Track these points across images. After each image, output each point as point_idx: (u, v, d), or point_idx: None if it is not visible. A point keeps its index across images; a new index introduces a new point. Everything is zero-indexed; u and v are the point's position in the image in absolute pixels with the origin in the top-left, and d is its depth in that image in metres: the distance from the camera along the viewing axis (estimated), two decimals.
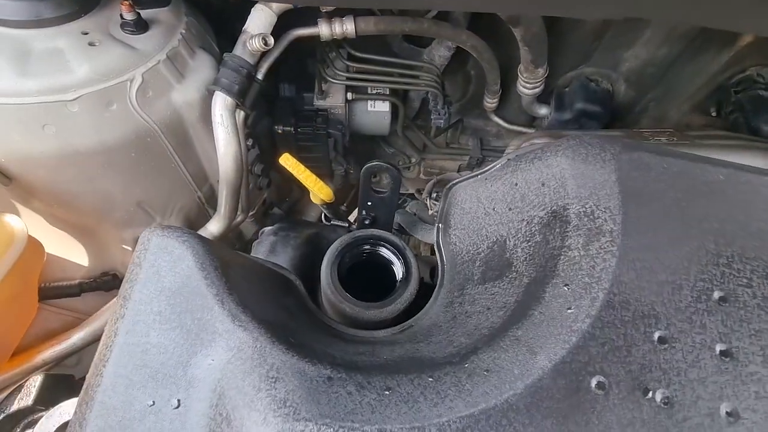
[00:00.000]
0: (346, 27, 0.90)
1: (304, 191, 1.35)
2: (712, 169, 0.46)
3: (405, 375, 0.39)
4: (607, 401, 0.36)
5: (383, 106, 1.16)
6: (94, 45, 0.75)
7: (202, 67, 0.87)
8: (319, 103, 1.10)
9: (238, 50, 0.86)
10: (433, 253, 1.34)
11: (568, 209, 0.46)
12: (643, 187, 0.45)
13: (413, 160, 1.42)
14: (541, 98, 1.21)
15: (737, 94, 1.15)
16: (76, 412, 0.38)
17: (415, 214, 1.17)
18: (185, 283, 0.42)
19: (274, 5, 0.85)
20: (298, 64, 1.12)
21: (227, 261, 0.46)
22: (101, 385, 0.38)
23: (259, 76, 0.91)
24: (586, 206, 0.45)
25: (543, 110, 1.25)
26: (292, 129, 1.08)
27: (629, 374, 0.37)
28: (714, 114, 1.22)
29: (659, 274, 0.41)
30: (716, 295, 0.40)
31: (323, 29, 0.91)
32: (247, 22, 0.87)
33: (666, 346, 0.38)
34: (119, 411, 0.37)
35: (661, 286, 0.40)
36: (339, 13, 0.91)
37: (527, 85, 1.11)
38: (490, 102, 1.24)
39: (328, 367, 0.39)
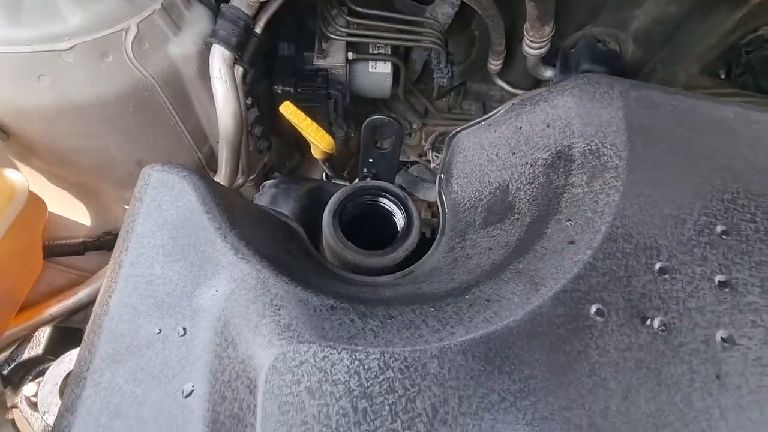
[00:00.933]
0: None
1: (305, 155, 1.34)
2: (722, 108, 0.45)
3: (407, 306, 0.39)
4: (605, 327, 0.37)
5: (384, 68, 1.13)
6: None
7: (198, 19, 0.85)
8: (319, 62, 1.07)
9: (235, 0, 0.84)
10: (434, 216, 1.34)
11: (573, 148, 0.45)
12: (650, 124, 0.44)
13: (414, 125, 1.40)
14: (546, 60, 1.18)
15: (748, 55, 1.12)
16: (84, 339, 0.39)
17: (416, 176, 1.16)
18: (187, 217, 0.42)
19: None
20: (297, 22, 1.09)
21: (230, 200, 0.46)
22: (108, 314, 0.39)
23: (258, 29, 0.89)
24: (592, 144, 0.44)
25: (548, 72, 1.21)
26: (292, 89, 1.06)
27: (629, 303, 0.37)
28: (723, 76, 1.20)
29: (663, 208, 0.41)
30: (719, 228, 0.40)
31: None
32: None
33: (666, 276, 0.38)
34: (126, 338, 0.38)
35: (665, 220, 0.40)
36: None
37: (533, 45, 1.08)
38: (494, 64, 1.21)
39: (331, 297, 0.39)
